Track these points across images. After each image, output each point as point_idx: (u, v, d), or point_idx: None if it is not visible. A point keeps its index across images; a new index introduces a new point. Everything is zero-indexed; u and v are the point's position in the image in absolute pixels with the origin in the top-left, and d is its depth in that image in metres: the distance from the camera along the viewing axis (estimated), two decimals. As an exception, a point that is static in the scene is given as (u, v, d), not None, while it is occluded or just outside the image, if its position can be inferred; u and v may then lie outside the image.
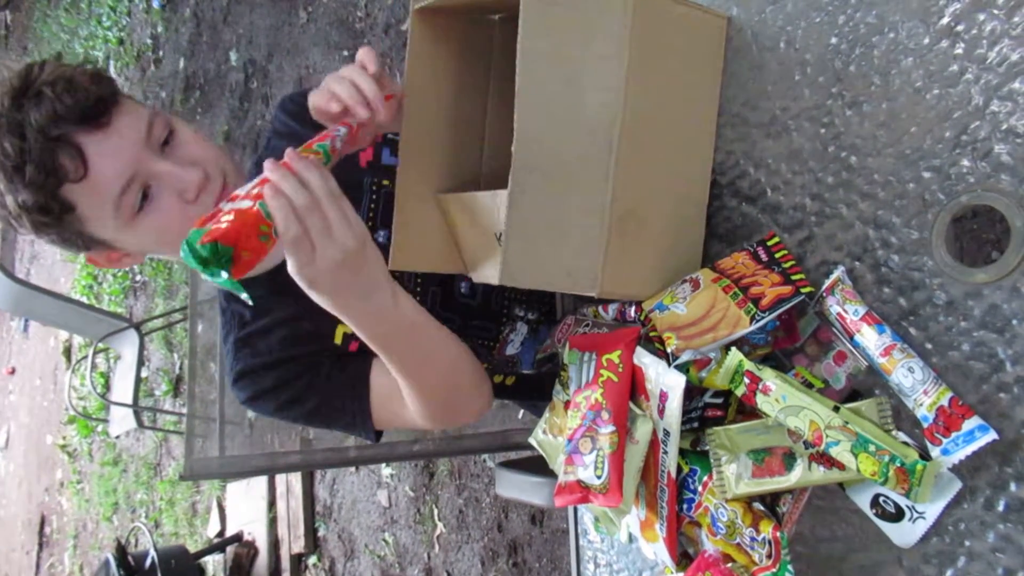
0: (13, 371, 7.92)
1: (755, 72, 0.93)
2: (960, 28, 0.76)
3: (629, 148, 0.87)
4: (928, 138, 0.77)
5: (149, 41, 6.18)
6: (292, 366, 1.09)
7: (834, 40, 0.86)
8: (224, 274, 0.75)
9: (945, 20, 0.77)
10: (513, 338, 1.25)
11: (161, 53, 6.00)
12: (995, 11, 0.73)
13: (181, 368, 4.96)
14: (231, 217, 0.77)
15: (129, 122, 0.93)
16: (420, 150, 1.01)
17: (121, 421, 4.26)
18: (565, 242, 0.87)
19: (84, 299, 5.68)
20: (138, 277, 5.62)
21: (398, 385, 1.06)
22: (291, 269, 0.83)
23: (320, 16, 4.22)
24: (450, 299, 1.19)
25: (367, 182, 1.15)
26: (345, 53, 3.97)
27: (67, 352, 6.51)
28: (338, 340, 1.12)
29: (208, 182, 0.97)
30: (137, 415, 4.08)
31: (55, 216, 0.93)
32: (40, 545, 6.89)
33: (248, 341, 1.10)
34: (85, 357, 4.53)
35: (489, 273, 0.97)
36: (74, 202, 0.92)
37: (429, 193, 1.02)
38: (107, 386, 4.62)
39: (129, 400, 4.03)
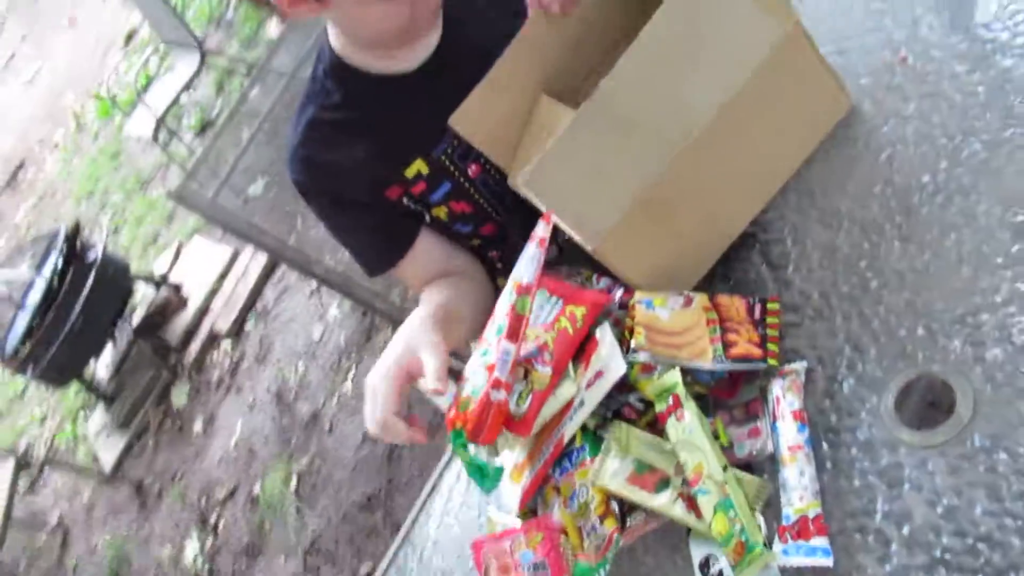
0: (74, 21, 7.91)
1: (846, 163, 0.97)
2: (1028, 233, 0.80)
3: (700, 149, 0.90)
4: (941, 303, 0.82)
5: None
6: (350, 183, 1.14)
7: (927, 179, 0.89)
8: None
9: (1020, 219, 0.80)
10: None
11: None
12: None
13: (218, 114, 4.99)
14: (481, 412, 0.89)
15: None
16: (538, 43, 1.03)
17: (140, 124, 4.32)
18: (596, 188, 0.91)
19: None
20: (229, 13, 5.60)
21: (438, 260, 1.18)
22: None
23: None
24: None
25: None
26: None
27: (130, 36, 6.51)
28: (410, 173, 1.15)
29: None
30: (157, 128, 4.14)
31: None
32: (7, 184, 6.99)
33: (324, 126, 1.13)
34: (143, 49, 4.55)
35: (519, 176, 1.01)
36: None
37: (527, 84, 1.04)
38: (146, 87, 4.65)
39: (158, 111, 4.08)
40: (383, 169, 1.14)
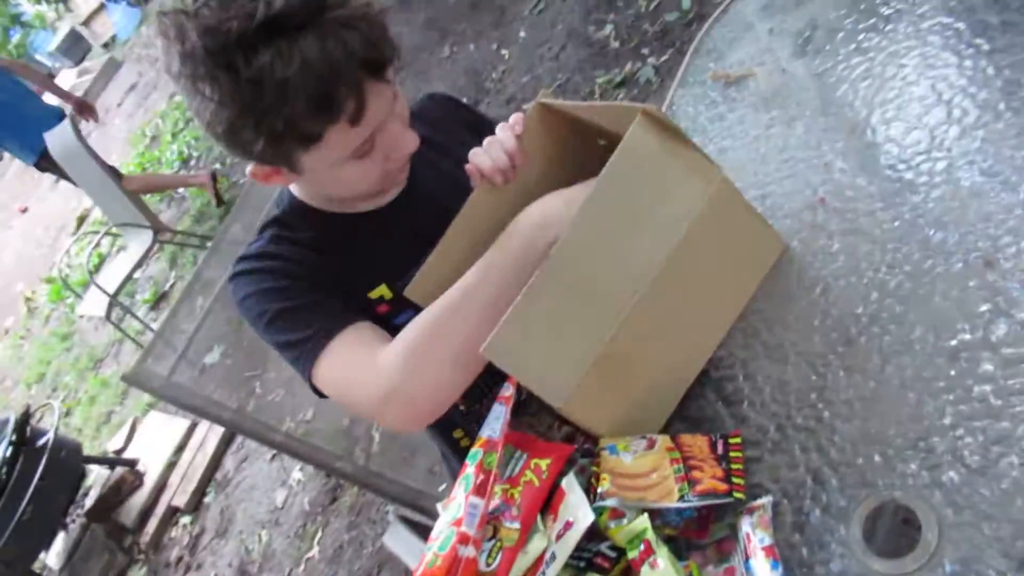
0: (25, 211, 8.01)
1: (786, 301, 1.02)
2: (963, 356, 0.84)
3: (648, 306, 0.94)
4: (893, 429, 0.84)
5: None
6: (298, 275, 1.10)
7: (860, 310, 0.94)
8: None
9: (953, 343, 0.85)
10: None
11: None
12: (997, 358, 0.81)
13: (171, 287, 5.03)
14: None
15: (391, 76, 0.98)
16: (485, 210, 1.09)
17: (93, 304, 4.31)
18: (555, 351, 0.94)
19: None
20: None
21: (377, 341, 1.05)
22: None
23: (461, 59, 4.43)
24: None
25: None
26: (464, 100, 4.15)
27: (81, 220, 6.61)
28: (374, 295, 1.15)
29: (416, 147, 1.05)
30: (110, 307, 4.14)
31: (301, 142, 0.95)
32: (-46, 375, 6.84)
33: (287, 243, 1.13)
34: (95, 232, 4.61)
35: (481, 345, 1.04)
36: (326, 136, 0.94)
37: (477, 250, 1.07)
38: (99, 267, 4.68)
39: (111, 289, 4.09)
40: (347, 286, 1.13)
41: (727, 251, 1.02)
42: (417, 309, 1.10)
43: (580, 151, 1.13)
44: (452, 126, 1.31)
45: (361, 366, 1.04)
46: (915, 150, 1.00)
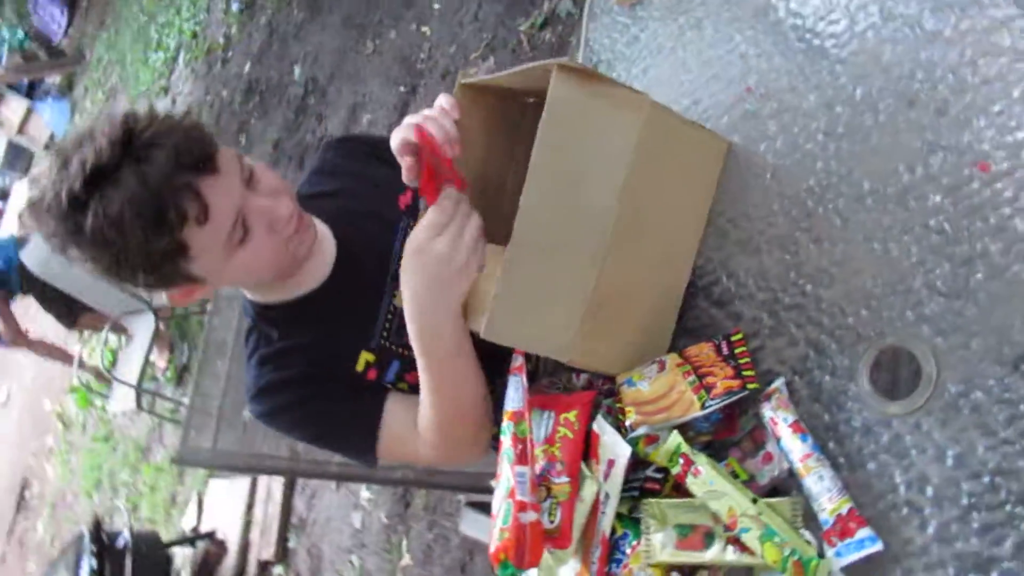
0: (27, 332, 8.06)
1: (742, 194, 1.06)
2: (911, 195, 0.88)
3: (620, 243, 0.99)
4: (870, 281, 0.89)
5: (221, 40, 6.43)
6: (310, 386, 1.17)
7: (811, 182, 0.98)
8: None
9: (900, 186, 0.89)
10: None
11: (230, 54, 6.24)
12: (941, 188, 0.86)
13: (188, 358, 5.09)
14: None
15: (229, 164, 1.02)
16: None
17: (121, 399, 4.38)
18: (548, 313, 0.99)
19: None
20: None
21: (411, 420, 1.16)
22: (417, 228, 1.00)
23: (385, 50, 4.43)
24: None
25: (403, 224, 1.26)
26: (402, 89, 4.16)
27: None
28: (360, 367, 1.21)
29: (293, 211, 1.07)
30: (138, 396, 4.21)
31: (172, 258, 1.00)
32: (17, 508, 6.96)
33: (271, 358, 1.19)
34: (99, 330, 4.68)
35: (479, 323, 1.09)
36: (189, 243, 0.99)
37: None
38: (114, 362, 4.75)
39: (133, 380, 4.15)
40: (335, 372, 1.20)
41: (676, 167, 1.06)
42: (398, 356, 1.18)
43: (513, 112, 1.17)
44: (355, 165, 1.34)
45: (412, 452, 1.20)
46: (816, 16, 1.04)
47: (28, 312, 5.74)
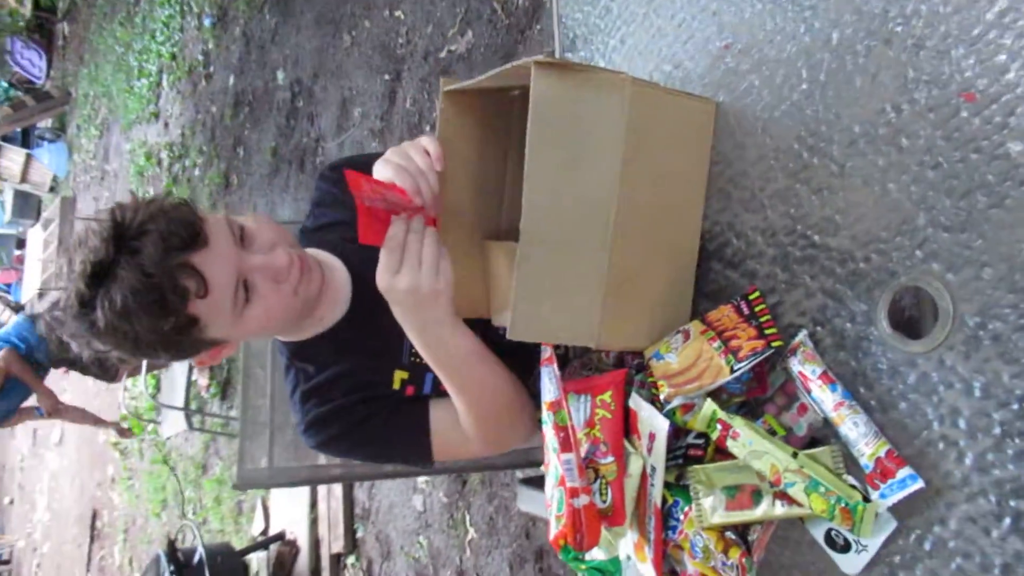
0: (68, 370, 8.23)
1: (738, 152, 1.07)
2: (903, 134, 0.89)
3: (625, 223, 1.00)
4: (874, 224, 0.90)
5: (200, 57, 6.43)
6: (355, 412, 1.22)
7: (802, 132, 0.99)
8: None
9: (890, 126, 0.90)
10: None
11: (212, 69, 6.24)
12: (929, 123, 0.86)
13: (228, 371, 5.18)
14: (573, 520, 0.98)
15: (219, 233, 1.05)
16: (452, 207, 1.15)
17: (172, 423, 4.49)
18: (567, 303, 1.01)
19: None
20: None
21: (455, 422, 1.21)
22: (377, 272, 1.04)
23: (363, 40, 4.40)
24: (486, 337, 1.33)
25: None
26: (387, 76, 4.14)
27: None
28: (396, 385, 1.26)
29: (291, 259, 1.10)
30: (188, 417, 4.31)
31: (185, 332, 1.04)
32: (92, 538, 7.19)
33: (313, 393, 1.24)
34: (138, 374, 4.77)
35: (504, 320, 1.12)
36: (198, 315, 1.03)
37: (463, 243, 1.16)
38: (158, 388, 4.85)
39: (180, 403, 4.25)
40: (375, 395, 1.24)
41: (668, 138, 1.06)
42: (430, 368, 1.20)
43: (502, 103, 1.18)
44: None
45: (463, 450, 1.26)
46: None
47: (70, 376, 5.89)
